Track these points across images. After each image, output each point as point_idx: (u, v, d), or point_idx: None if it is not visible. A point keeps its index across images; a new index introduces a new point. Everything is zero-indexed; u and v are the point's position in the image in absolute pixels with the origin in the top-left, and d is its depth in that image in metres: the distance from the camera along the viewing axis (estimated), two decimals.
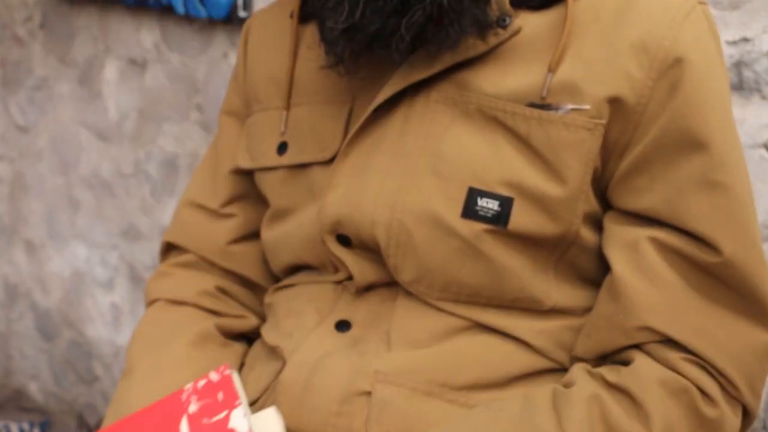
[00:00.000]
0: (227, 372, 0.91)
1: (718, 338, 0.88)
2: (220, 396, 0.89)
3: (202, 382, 0.90)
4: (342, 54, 0.94)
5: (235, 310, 1.15)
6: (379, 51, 0.93)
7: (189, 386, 0.90)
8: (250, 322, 1.14)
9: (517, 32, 0.93)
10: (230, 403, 0.88)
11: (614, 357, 0.92)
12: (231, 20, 1.77)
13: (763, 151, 1.27)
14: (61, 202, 2.22)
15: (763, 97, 1.26)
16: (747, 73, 1.26)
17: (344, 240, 0.98)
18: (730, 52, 1.27)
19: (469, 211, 0.92)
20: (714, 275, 0.88)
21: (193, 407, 0.89)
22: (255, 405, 1.01)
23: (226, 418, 0.88)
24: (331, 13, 0.92)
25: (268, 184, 1.09)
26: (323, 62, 0.98)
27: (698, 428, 0.88)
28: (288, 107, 1.07)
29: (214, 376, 0.90)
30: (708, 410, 0.88)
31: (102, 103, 2.08)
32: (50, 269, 2.28)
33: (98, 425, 2.19)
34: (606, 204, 0.94)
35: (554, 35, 0.92)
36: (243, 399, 0.90)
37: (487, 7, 0.91)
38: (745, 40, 1.26)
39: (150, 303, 1.16)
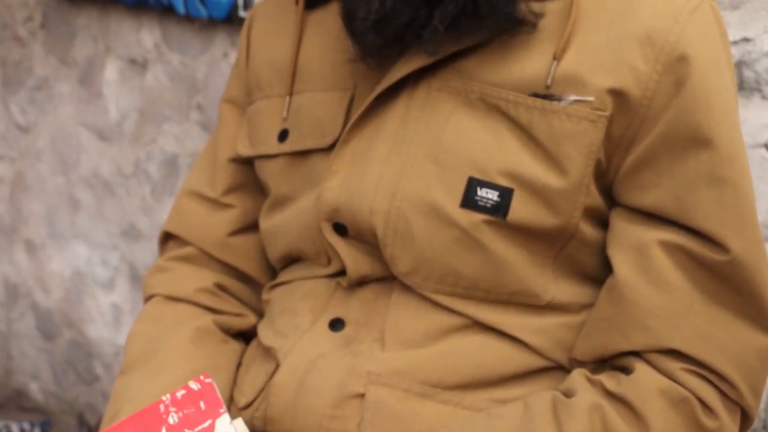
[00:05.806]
0: (208, 380, 0.89)
1: (721, 342, 0.88)
2: (202, 405, 0.87)
3: (180, 392, 0.88)
4: (372, 46, 0.93)
5: (234, 308, 1.14)
6: (409, 42, 0.92)
7: (167, 397, 0.88)
8: (248, 320, 1.14)
9: (535, 24, 0.91)
10: (214, 412, 0.87)
11: (614, 362, 0.92)
12: (231, 20, 1.76)
13: (763, 150, 1.27)
14: (61, 202, 2.22)
15: (764, 97, 1.26)
16: (748, 73, 1.26)
17: (341, 230, 0.97)
18: None
19: (469, 201, 0.91)
20: (720, 276, 0.88)
21: (172, 418, 0.87)
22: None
23: (211, 426, 0.87)
24: (362, 4, 0.91)
25: (268, 172, 1.08)
26: (350, 55, 0.97)
27: None
28: (291, 93, 1.06)
29: (194, 385, 0.88)
30: (708, 421, 0.87)
31: (102, 103, 2.08)
32: (51, 269, 2.28)
33: (98, 425, 2.18)
34: (611, 201, 0.93)
35: (559, 24, 0.91)
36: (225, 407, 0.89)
37: (516, 4, 0.90)
38: (746, 40, 1.26)
39: (148, 298, 1.15)
